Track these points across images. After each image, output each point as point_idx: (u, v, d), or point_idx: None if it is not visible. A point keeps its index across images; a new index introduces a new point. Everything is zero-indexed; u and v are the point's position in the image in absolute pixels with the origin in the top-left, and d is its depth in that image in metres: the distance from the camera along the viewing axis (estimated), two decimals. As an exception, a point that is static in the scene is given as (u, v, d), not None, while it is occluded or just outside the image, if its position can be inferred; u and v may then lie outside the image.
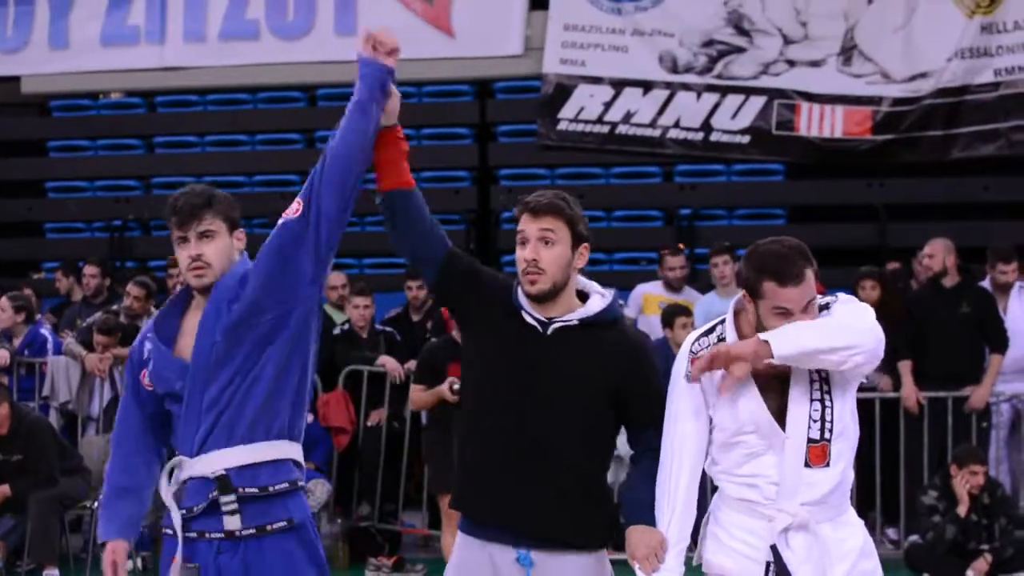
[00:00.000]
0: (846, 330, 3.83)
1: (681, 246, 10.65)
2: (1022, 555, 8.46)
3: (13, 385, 9.95)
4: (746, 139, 12.54)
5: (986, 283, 9.81)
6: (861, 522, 4.10)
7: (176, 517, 3.93)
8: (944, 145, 12.24)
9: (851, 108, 12.34)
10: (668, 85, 12.63)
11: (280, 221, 3.98)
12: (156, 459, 4.14)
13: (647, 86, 12.67)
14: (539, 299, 4.07)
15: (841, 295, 4.05)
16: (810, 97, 12.40)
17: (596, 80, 12.75)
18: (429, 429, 8.56)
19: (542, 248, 4.04)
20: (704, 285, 10.91)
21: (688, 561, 4.05)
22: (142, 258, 13.41)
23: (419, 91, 13.56)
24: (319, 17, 13.22)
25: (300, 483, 4.02)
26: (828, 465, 3.91)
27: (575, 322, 4.08)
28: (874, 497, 9.29)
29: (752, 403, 3.89)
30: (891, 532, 9.54)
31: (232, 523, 3.90)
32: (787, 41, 12.50)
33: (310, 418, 9.11)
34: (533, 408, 4.02)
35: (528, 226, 4.07)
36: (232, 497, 3.89)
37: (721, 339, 3.98)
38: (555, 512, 4.02)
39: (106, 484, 4.13)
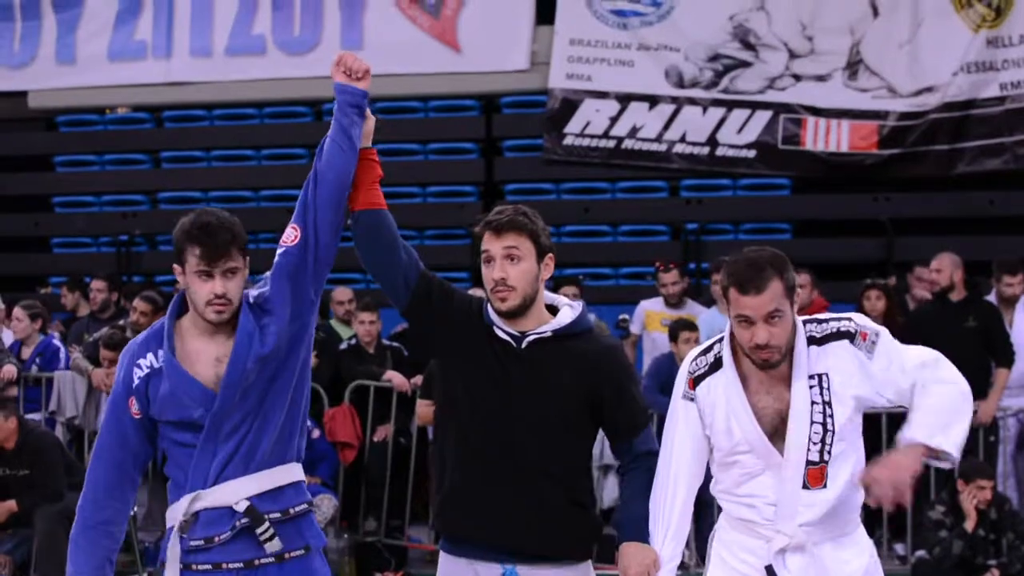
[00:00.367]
0: (956, 392, 3.88)
1: (672, 263, 10.55)
2: (1029, 570, 8.44)
3: (20, 395, 9.96)
4: (752, 153, 12.55)
5: (992, 297, 9.80)
6: (870, 542, 4.07)
7: (175, 551, 3.88)
8: (950, 159, 12.24)
9: (857, 122, 12.35)
10: (674, 100, 12.64)
11: (281, 249, 3.98)
12: (133, 495, 4.05)
13: (653, 101, 12.69)
14: (510, 315, 4.09)
15: (881, 335, 3.96)
16: (816, 111, 12.42)
17: (602, 95, 12.77)
18: (434, 444, 8.53)
19: (509, 266, 4.07)
20: (709, 299, 10.91)
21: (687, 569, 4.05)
22: (149, 273, 13.43)
23: (425, 106, 13.60)
24: (325, 32, 13.26)
25: (312, 504, 4.03)
26: (825, 487, 3.89)
27: (548, 334, 4.10)
28: (881, 513, 9.25)
29: (746, 423, 3.88)
30: (898, 548, 9.51)
31: (274, 546, 3.87)
32: (793, 56, 12.51)
33: (316, 433, 9.12)
34: (511, 422, 4.04)
35: (492, 245, 4.09)
36: (266, 525, 3.86)
37: (718, 358, 3.97)
38: (538, 526, 4.04)
39: (75, 521, 3.98)
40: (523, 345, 4.08)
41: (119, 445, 3.96)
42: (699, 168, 12.74)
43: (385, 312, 9.88)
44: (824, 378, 3.87)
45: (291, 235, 3.97)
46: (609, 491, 9.13)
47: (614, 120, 12.72)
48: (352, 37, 12.95)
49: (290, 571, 3.92)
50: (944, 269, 9.56)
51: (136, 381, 3.92)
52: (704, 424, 3.97)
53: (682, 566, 4.10)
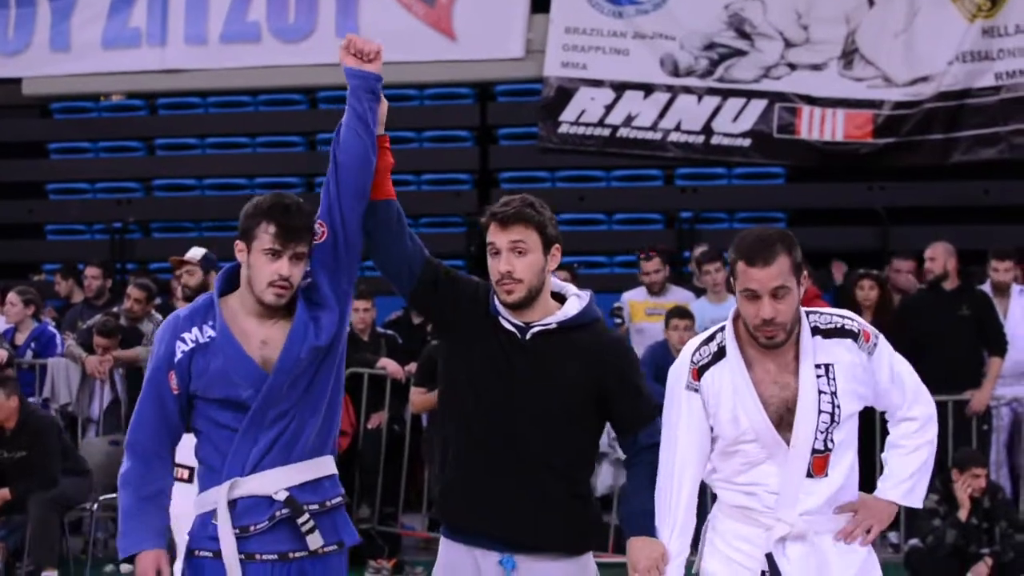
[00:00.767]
0: (929, 450, 4.05)
1: (652, 250, 10.49)
2: (1023, 559, 8.44)
3: (14, 381, 9.94)
4: (747, 142, 12.56)
5: (986, 287, 9.81)
6: None
7: (230, 540, 3.80)
8: (945, 149, 12.25)
9: (852, 112, 12.36)
10: (669, 88, 12.64)
11: (314, 245, 3.92)
12: (172, 467, 3.98)
13: (648, 89, 12.68)
14: (516, 307, 4.06)
15: (880, 338, 3.96)
16: (811, 100, 12.42)
17: (597, 83, 12.77)
18: (429, 431, 8.55)
19: (515, 258, 4.01)
20: (695, 289, 10.83)
21: (688, 565, 4.05)
22: (142, 260, 13.42)
23: (420, 94, 13.59)
24: (320, 19, 13.25)
25: (345, 497, 3.99)
26: (827, 475, 3.89)
27: (554, 326, 4.05)
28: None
29: (753, 412, 3.86)
30: (892, 536, 9.52)
31: (315, 541, 3.83)
32: (788, 44, 12.51)
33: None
34: (514, 413, 4.01)
35: (498, 237, 4.04)
36: (306, 516, 3.82)
37: (721, 347, 3.93)
38: (538, 517, 4.01)
39: (125, 492, 3.88)
40: (527, 336, 4.04)
41: (161, 418, 3.88)
42: (694, 157, 12.75)
43: (380, 300, 9.88)
44: (831, 368, 3.86)
45: (319, 232, 3.92)
46: (603, 479, 9.13)
47: (609, 108, 12.72)
48: (347, 25, 12.92)
49: (323, 568, 3.88)
50: (938, 258, 9.56)
51: (179, 355, 3.83)
52: (708, 414, 3.94)
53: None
